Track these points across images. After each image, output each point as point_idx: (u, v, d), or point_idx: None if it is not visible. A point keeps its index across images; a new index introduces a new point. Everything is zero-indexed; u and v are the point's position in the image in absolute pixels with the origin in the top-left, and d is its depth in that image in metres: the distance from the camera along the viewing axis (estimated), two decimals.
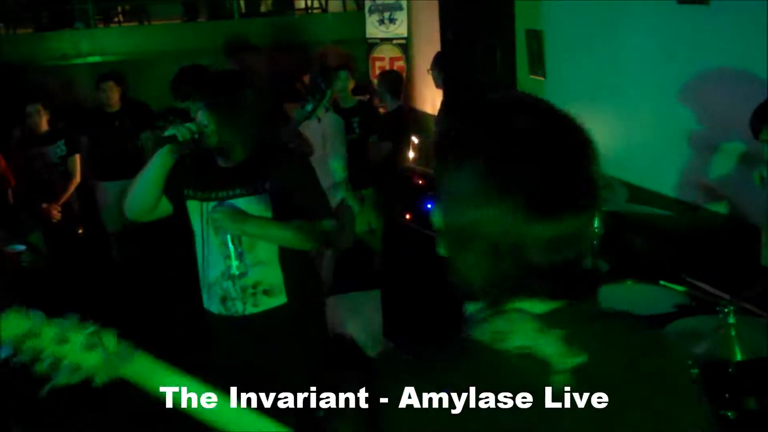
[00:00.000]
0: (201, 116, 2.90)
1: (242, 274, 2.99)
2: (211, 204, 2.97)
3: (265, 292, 3.03)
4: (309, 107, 4.90)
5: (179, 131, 2.81)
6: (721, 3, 3.94)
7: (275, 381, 2.97)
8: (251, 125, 2.95)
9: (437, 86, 6.30)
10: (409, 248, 4.65)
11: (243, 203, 2.96)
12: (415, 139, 6.28)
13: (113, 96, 6.58)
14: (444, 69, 5.73)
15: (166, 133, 2.84)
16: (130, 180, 6.33)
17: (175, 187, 3.00)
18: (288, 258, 3.03)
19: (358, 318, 5.11)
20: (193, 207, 3.02)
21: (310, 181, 3.08)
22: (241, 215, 2.91)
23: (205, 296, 3.13)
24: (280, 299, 3.06)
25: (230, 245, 2.95)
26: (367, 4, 8.16)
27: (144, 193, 2.99)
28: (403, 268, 4.76)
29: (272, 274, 3.03)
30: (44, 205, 5.97)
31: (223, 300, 3.05)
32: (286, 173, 2.99)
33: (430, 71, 6.20)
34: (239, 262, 2.97)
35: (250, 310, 3.04)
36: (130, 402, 4.78)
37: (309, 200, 3.03)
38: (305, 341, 3.15)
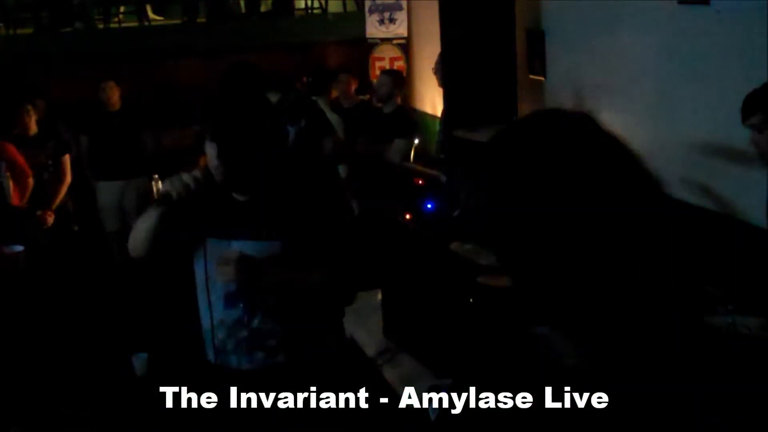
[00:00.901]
0: (208, 147, 2.62)
1: (240, 326, 2.68)
2: (214, 244, 2.67)
3: (263, 347, 2.70)
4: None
5: (173, 186, 2.53)
6: (721, 3, 3.94)
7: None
8: (259, 158, 2.59)
9: (441, 86, 6.29)
10: (409, 248, 4.65)
11: (252, 248, 2.61)
12: (415, 140, 6.27)
13: (113, 96, 6.58)
14: (443, 68, 5.73)
15: (162, 189, 2.58)
16: (129, 180, 6.39)
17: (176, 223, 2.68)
18: (288, 309, 2.71)
19: (358, 318, 5.10)
20: (197, 246, 2.73)
21: (326, 237, 2.67)
22: (255, 269, 2.57)
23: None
24: (279, 357, 2.71)
25: (232, 293, 2.67)
26: (367, 4, 8.15)
27: (141, 242, 2.72)
28: (403, 268, 4.76)
29: (271, 326, 2.70)
30: (38, 212, 5.91)
31: (216, 351, 2.75)
32: (301, 225, 2.63)
33: (436, 72, 6.19)
34: (241, 313, 2.67)
35: (246, 365, 2.72)
36: (127, 402, 4.78)
37: (327, 257, 2.67)
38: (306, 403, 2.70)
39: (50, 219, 5.94)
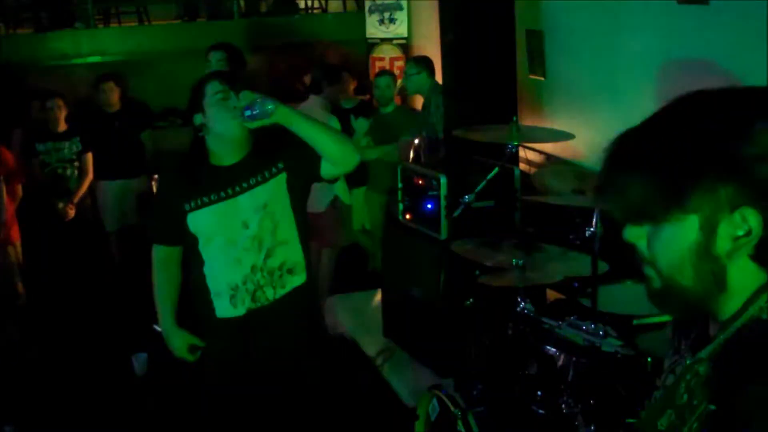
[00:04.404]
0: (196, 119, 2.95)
1: (269, 257, 2.97)
2: (228, 201, 2.94)
3: (289, 272, 3.02)
4: None
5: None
6: (721, 3, 3.94)
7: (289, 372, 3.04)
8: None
9: (412, 92, 6.26)
10: (409, 248, 4.65)
11: (263, 191, 2.94)
12: (416, 140, 6.27)
13: (113, 96, 6.59)
14: (444, 68, 5.72)
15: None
16: (129, 179, 6.43)
17: (172, 213, 3.00)
18: (304, 236, 3.05)
19: (358, 318, 5.11)
20: (205, 215, 2.96)
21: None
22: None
23: (224, 303, 3.01)
24: (301, 277, 3.05)
25: (257, 230, 2.94)
26: (367, 4, 8.16)
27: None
28: (403, 268, 4.76)
29: (294, 253, 3.02)
30: (60, 204, 6.07)
31: (254, 294, 2.98)
32: (294, 145, 2.93)
33: (407, 76, 6.12)
34: (271, 244, 2.97)
35: (280, 292, 3.01)
36: (127, 402, 4.77)
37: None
38: (314, 321, 3.25)
39: (71, 212, 6.24)
